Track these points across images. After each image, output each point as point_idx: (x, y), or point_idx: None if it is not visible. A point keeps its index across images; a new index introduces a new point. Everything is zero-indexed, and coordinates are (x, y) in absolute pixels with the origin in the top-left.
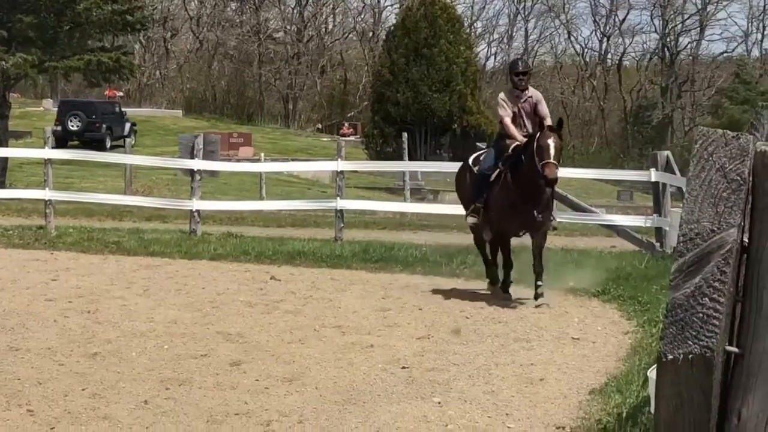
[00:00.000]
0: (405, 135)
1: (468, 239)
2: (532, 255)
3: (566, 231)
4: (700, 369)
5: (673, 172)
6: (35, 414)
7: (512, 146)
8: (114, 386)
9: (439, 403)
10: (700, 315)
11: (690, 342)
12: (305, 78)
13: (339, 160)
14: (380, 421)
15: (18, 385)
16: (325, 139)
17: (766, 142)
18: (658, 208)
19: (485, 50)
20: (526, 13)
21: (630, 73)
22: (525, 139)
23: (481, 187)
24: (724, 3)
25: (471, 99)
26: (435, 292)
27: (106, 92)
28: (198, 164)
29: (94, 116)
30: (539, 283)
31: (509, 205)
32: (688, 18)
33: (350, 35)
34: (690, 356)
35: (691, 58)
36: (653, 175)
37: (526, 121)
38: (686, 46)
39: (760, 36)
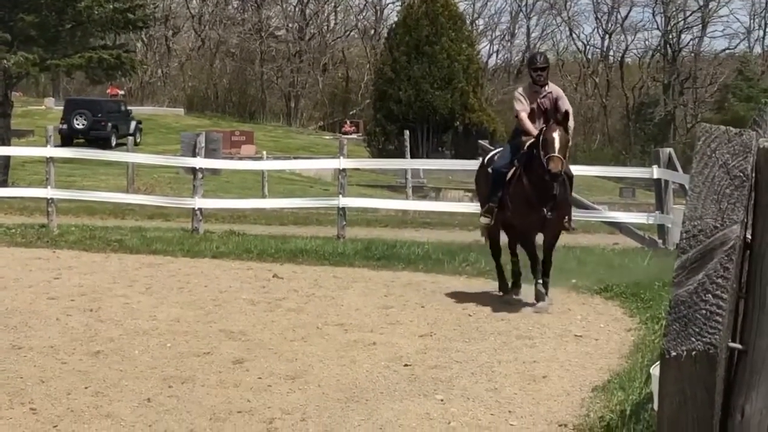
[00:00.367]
0: (407, 133)
1: (470, 236)
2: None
3: None
4: (703, 366)
5: (676, 169)
6: (38, 412)
7: (528, 143)
8: (117, 384)
9: (442, 400)
10: (704, 312)
11: (693, 339)
12: (307, 76)
13: (341, 158)
14: (383, 419)
15: (21, 384)
16: (327, 137)
17: None
18: (660, 205)
19: (487, 48)
20: (528, 10)
21: (632, 70)
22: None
23: (495, 187)
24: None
25: (473, 96)
26: (437, 289)
27: (108, 90)
28: (200, 162)
29: (99, 115)
30: (545, 279)
31: (524, 203)
32: (690, 15)
33: (352, 33)
34: (693, 353)
35: (693, 54)
36: (655, 172)
37: (545, 117)
38: (688, 43)
39: (762, 33)
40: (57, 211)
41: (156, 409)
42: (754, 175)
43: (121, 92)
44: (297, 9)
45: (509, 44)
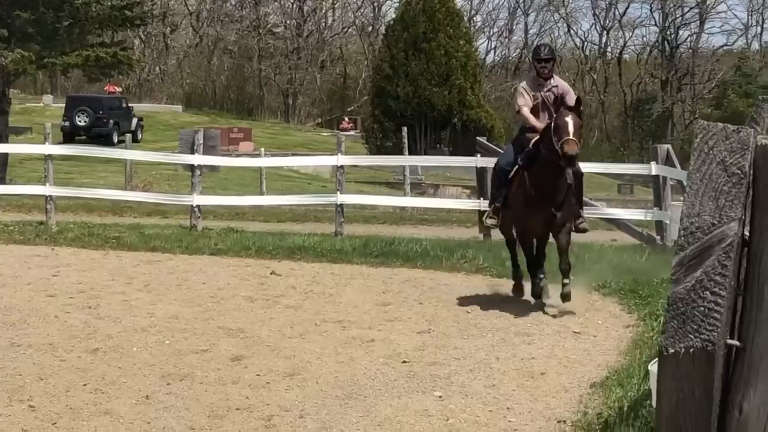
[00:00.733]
0: (405, 129)
1: (468, 233)
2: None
3: None
4: (701, 363)
5: (674, 166)
6: (37, 409)
7: (533, 140)
8: (115, 381)
9: (440, 397)
10: (702, 309)
11: (691, 336)
12: (305, 73)
13: (339, 154)
14: (381, 416)
15: (19, 381)
16: (325, 134)
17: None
18: (658, 202)
19: (485, 44)
20: (526, 6)
21: (630, 66)
22: (543, 127)
23: (500, 186)
24: None
25: (471, 93)
26: (435, 286)
27: (106, 88)
28: (198, 159)
29: (101, 111)
30: (565, 281)
31: (529, 202)
32: (688, 11)
33: (350, 30)
34: (691, 350)
35: (691, 51)
36: (654, 168)
37: (549, 111)
38: (686, 39)
39: (759, 29)
40: (55, 208)
41: (155, 406)
42: (751, 172)
43: (119, 90)
44: (295, 6)
45: (507, 41)
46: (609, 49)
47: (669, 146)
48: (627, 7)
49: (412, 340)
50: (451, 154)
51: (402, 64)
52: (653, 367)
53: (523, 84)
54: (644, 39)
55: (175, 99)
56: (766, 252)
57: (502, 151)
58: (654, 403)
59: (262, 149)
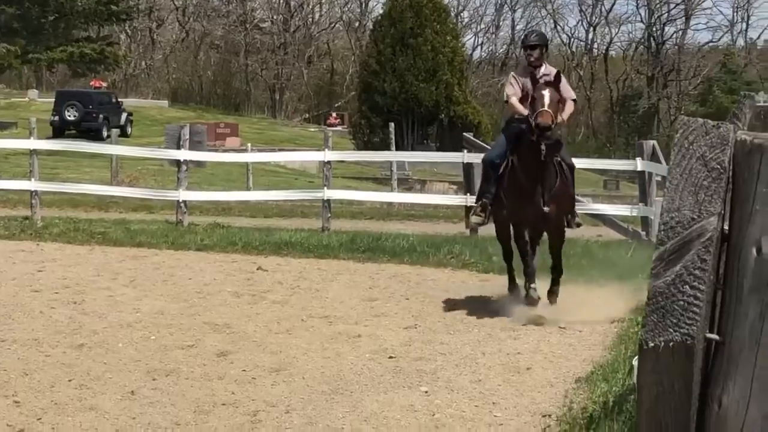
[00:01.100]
0: (392, 125)
1: (454, 228)
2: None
3: None
4: (680, 356)
5: (659, 162)
6: (22, 404)
7: (519, 126)
8: (101, 377)
9: (426, 392)
10: (681, 303)
11: (671, 330)
12: (292, 68)
13: (326, 150)
14: (368, 411)
15: (4, 376)
16: (312, 129)
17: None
18: (644, 197)
19: (472, 40)
20: (513, 2)
21: (616, 62)
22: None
23: (488, 180)
24: None
25: (458, 89)
26: (422, 281)
27: (92, 83)
28: (184, 155)
29: (90, 106)
30: (555, 287)
31: (517, 196)
32: (674, 7)
33: (337, 25)
34: (671, 344)
35: (676, 47)
36: (639, 164)
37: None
38: (672, 35)
39: (744, 25)
40: (41, 204)
41: (140, 401)
42: (731, 167)
43: (104, 84)
44: (282, 1)
45: (494, 37)
46: (595, 46)
47: (654, 142)
48: (613, 4)
49: (399, 336)
50: (438, 149)
51: (389, 59)
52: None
53: (513, 73)
54: (630, 35)
55: (162, 94)
56: (745, 246)
57: (489, 148)
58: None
59: (249, 144)
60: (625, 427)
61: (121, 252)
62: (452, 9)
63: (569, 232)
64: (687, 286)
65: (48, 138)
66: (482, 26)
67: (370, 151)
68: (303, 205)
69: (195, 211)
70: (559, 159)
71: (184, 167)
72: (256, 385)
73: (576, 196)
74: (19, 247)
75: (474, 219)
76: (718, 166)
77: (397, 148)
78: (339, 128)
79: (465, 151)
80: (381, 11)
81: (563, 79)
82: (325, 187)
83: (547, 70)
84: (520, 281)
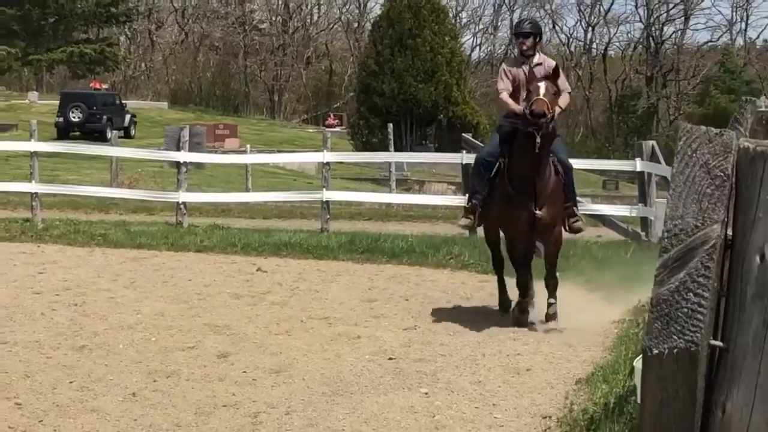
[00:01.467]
0: (390, 126)
1: (453, 229)
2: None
3: None
4: (684, 363)
5: (659, 162)
6: (23, 407)
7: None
8: (102, 379)
9: (426, 393)
10: (685, 310)
11: (675, 337)
12: (291, 69)
13: (325, 151)
14: (368, 412)
15: (5, 378)
16: (310, 130)
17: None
18: (643, 198)
19: (470, 40)
20: (511, 3)
21: (615, 62)
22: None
23: (479, 180)
24: None
25: (456, 89)
26: (421, 282)
27: (92, 84)
28: (184, 156)
29: (95, 107)
30: (551, 300)
31: (508, 198)
32: (673, 7)
33: (335, 26)
34: (675, 351)
35: (675, 47)
36: (638, 164)
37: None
38: (671, 35)
39: (743, 25)
40: (41, 206)
41: (141, 403)
42: (734, 174)
43: (105, 86)
44: (280, 2)
45: (492, 37)
46: (594, 46)
47: (654, 142)
48: (612, 4)
49: (399, 337)
50: (437, 150)
51: (387, 60)
52: (638, 363)
53: (504, 65)
54: (629, 35)
55: (161, 96)
56: (748, 253)
57: None
58: (639, 400)
59: (248, 146)
60: (626, 429)
61: (121, 254)
62: (450, 10)
63: (569, 234)
64: (691, 294)
65: (53, 139)
66: (481, 27)
67: (369, 152)
68: (302, 206)
69: (195, 213)
70: (554, 159)
71: (183, 169)
72: (257, 386)
73: (578, 198)
74: (20, 249)
75: (462, 222)
76: (722, 174)
77: (396, 149)
78: (338, 129)
79: (464, 151)
80: (379, 12)
81: (561, 74)
82: (324, 189)
83: (540, 58)
84: (513, 295)
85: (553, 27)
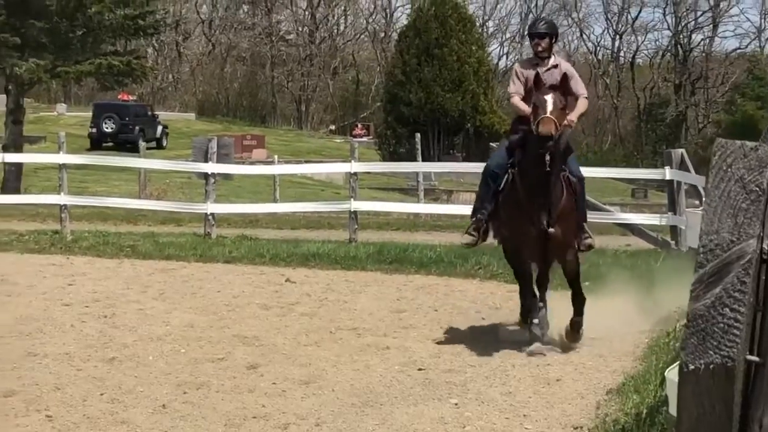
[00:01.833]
0: (418, 135)
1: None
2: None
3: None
4: (721, 379)
5: (688, 170)
6: (54, 419)
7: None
8: (132, 391)
9: (456, 404)
10: (721, 325)
11: (711, 352)
12: (317, 79)
13: (352, 161)
14: (398, 423)
15: (36, 391)
16: (338, 140)
17: None
18: (672, 207)
19: (497, 50)
20: (539, 11)
21: (643, 70)
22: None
23: (485, 193)
24: None
25: (483, 99)
26: (450, 292)
27: (120, 96)
28: (212, 167)
29: (127, 118)
30: (576, 318)
31: (517, 211)
32: (701, 15)
33: (362, 36)
34: (711, 366)
35: (704, 54)
36: (668, 173)
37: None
38: (699, 42)
39: None
40: (70, 217)
41: (171, 415)
42: None
43: (132, 98)
44: (307, 13)
45: (519, 46)
46: (622, 54)
47: (683, 150)
48: (639, 12)
49: (428, 347)
50: (465, 159)
51: (414, 70)
52: (670, 373)
53: (517, 66)
54: (657, 43)
55: (189, 107)
56: None
57: None
58: (671, 410)
59: (276, 156)
60: None
61: (150, 265)
62: (477, 19)
63: (599, 242)
64: (727, 309)
65: (86, 150)
66: (508, 36)
67: (397, 162)
68: (330, 216)
69: (223, 224)
70: (566, 172)
71: (211, 180)
72: (287, 397)
73: (605, 206)
74: (50, 261)
75: (465, 239)
76: (757, 189)
77: (424, 159)
78: (365, 139)
79: None
80: (406, 22)
81: (575, 75)
82: (352, 199)
83: (556, 61)
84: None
85: (581, 35)
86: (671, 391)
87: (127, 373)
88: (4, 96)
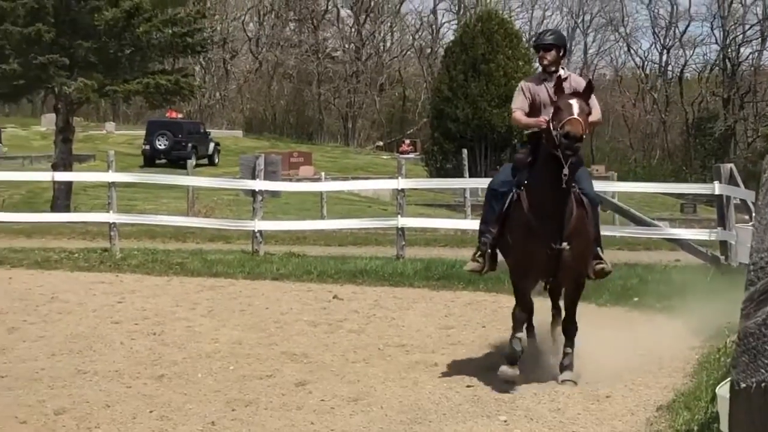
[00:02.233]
0: (465, 151)
1: None
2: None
3: (629, 245)
4: None
5: (737, 185)
6: None
7: (529, 138)
8: (181, 408)
9: (505, 421)
10: None
11: (762, 370)
12: (364, 96)
13: (399, 178)
14: None
15: (86, 408)
16: (384, 157)
17: None
18: (722, 222)
19: None
20: (585, 27)
21: (691, 84)
22: (543, 123)
23: (489, 214)
24: None
25: None
26: (498, 309)
27: (168, 114)
28: (259, 185)
29: (180, 135)
30: (567, 349)
31: (524, 231)
32: (749, 28)
33: (408, 52)
34: (762, 384)
35: (752, 68)
36: (717, 188)
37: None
38: (748, 56)
39: None
40: (119, 235)
41: None
42: None
43: (180, 116)
44: (353, 30)
45: (567, 61)
46: (669, 68)
47: (732, 165)
48: (687, 26)
49: (476, 364)
50: None
51: (461, 85)
52: (721, 390)
53: (522, 82)
54: (705, 57)
55: (236, 124)
56: None
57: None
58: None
59: (323, 173)
60: None
61: (198, 282)
62: (524, 34)
63: (649, 258)
64: None
65: (140, 167)
66: None
67: (444, 178)
68: (377, 233)
69: (270, 241)
70: (577, 190)
71: (259, 197)
72: (335, 414)
73: (653, 221)
74: (99, 278)
75: (469, 266)
76: None
77: (471, 175)
78: (411, 155)
79: None
80: (452, 38)
81: (593, 95)
82: (399, 215)
83: (565, 74)
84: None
85: (628, 50)
86: (722, 408)
87: (176, 390)
88: (54, 115)
